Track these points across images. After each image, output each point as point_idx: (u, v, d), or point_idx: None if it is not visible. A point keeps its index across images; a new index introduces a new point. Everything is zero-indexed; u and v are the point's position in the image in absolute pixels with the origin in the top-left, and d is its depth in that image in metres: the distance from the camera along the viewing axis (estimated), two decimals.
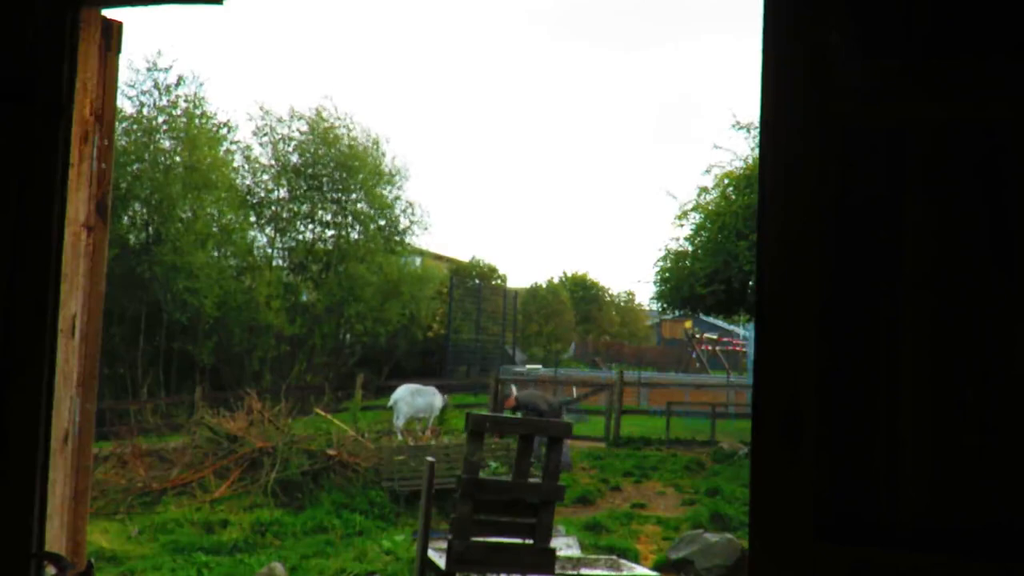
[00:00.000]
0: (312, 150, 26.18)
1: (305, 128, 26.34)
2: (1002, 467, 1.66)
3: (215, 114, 24.05)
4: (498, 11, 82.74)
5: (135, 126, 22.18)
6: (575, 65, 75.55)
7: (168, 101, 22.89)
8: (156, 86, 22.77)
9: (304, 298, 26.11)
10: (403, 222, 27.64)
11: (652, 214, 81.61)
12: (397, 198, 27.39)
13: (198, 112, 23.31)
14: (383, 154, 27.20)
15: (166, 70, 23.01)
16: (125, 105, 22.07)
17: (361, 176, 26.23)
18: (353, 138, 26.65)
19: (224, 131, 24.35)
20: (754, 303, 1.89)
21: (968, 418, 1.68)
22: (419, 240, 28.76)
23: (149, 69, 22.90)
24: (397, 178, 27.42)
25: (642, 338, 45.92)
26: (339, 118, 26.62)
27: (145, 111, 22.68)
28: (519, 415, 14.51)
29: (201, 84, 27.89)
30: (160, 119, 22.80)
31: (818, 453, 1.73)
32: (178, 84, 23.00)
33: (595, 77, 74.48)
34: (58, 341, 2.24)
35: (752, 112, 19.52)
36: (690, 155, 75.23)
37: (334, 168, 26.13)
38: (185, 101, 23.05)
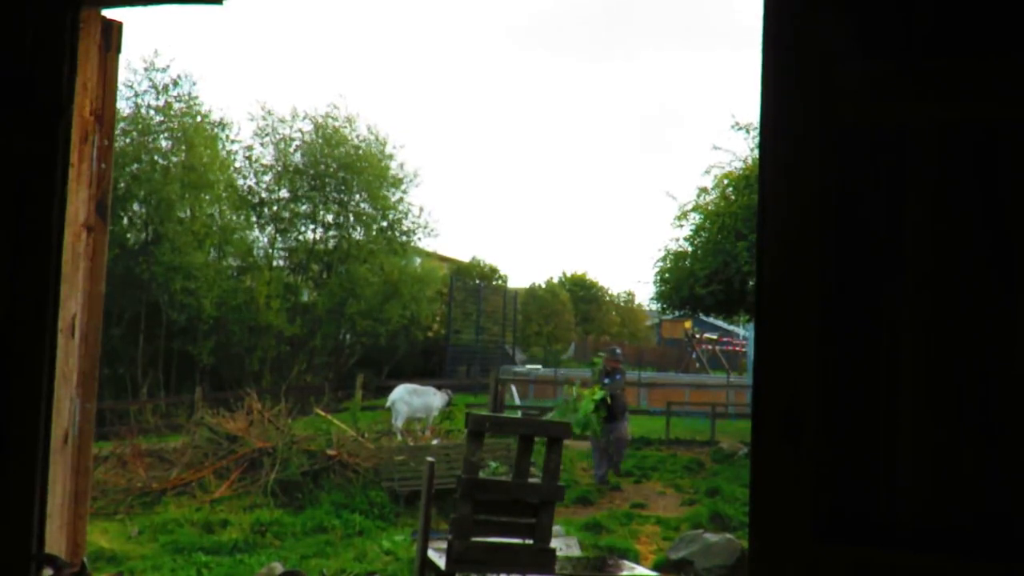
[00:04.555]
0: (315, 151, 26.17)
1: (308, 128, 26.37)
2: (1002, 467, 1.66)
3: (209, 112, 24.07)
4: (498, 15, 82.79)
5: (133, 126, 22.18)
6: (575, 69, 75.63)
7: (165, 101, 22.90)
8: (154, 86, 22.80)
9: (304, 298, 26.10)
10: (406, 224, 27.65)
11: (652, 214, 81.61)
12: (400, 200, 27.39)
13: (194, 111, 23.32)
14: (389, 156, 27.18)
15: (163, 70, 23.03)
16: (122, 105, 22.08)
17: (360, 178, 26.19)
18: (359, 139, 26.66)
19: (220, 130, 24.36)
20: (754, 303, 1.89)
21: (968, 418, 1.68)
22: (421, 242, 28.81)
23: (147, 69, 22.94)
24: (405, 183, 27.44)
25: (642, 338, 45.89)
26: (345, 119, 26.65)
27: (142, 111, 22.70)
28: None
29: (194, 83, 27.88)
30: (157, 119, 22.80)
31: (818, 453, 1.73)
32: (175, 84, 23.03)
33: (596, 80, 74.55)
34: (58, 341, 2.24)
35: (751, 113, 19.51)
36: (690, 156, 75.27)
37: (337, 169, 26.12)
38: (179, 101, 23.05)
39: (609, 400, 13.64)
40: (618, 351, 15.41)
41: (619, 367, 14.48)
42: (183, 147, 22.76)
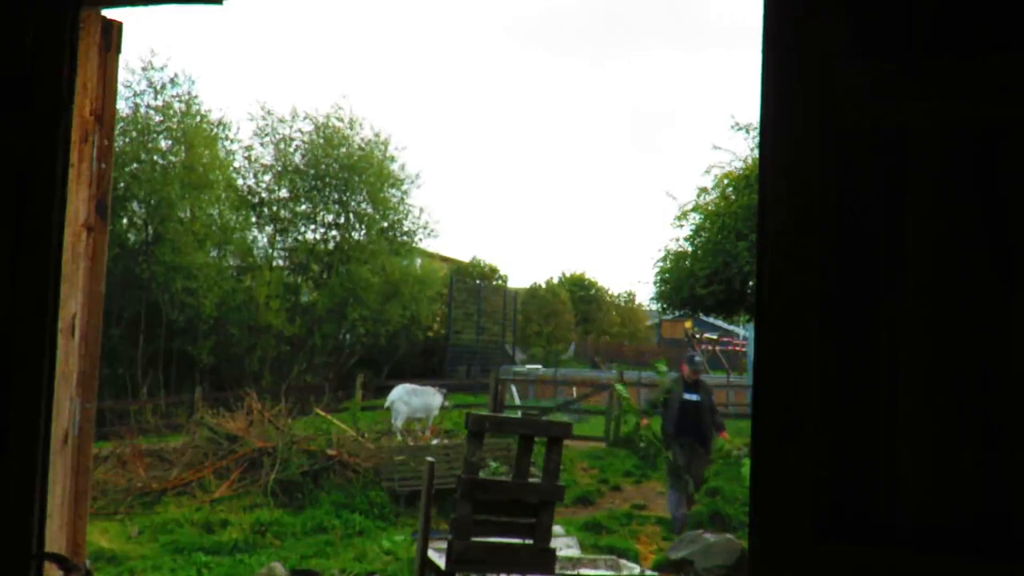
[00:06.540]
0: (315, 151, 26.16)
1: (308, 128, 26.37)
2: (1002, 467, 1.66)
3: (209, 112, 24.09)
4: (498, 15, 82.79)
5: (132, 126, 22.19)
6: (575, 69, 75.63)
7: (164, 101, 22.92)
8: (151, 86, 22.81)
9: (305, 299, 26.10)
10: (407, 225, 27.64)
11: (652, 214, 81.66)
12: (401, 201, 27.38)
13: (193, 111, 23.33)
14: (391, 157, 27.16)
15: (160, 69, 23.04)
16: (121, 105, 22.06)
17: (361, 179, 26.17)
18: (362, 140, 26.64)
19: (220, 130, 24.36)
20: (754, 303, 1.89)
21: (968, 418, 1.68)
22: (422, 242, 28.82)
23: (144, 69, 22.95)
24: (406, 184, 27.43)
25: (642, 338, 45.89)
26: (347, 120, 26.65)
27: (142, 111, 22.71)
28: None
29: (193, 83, 27.93)
30: (157, 119, 22.81)
31: (818, 453, 1.73)
32: (172, 83, 23.04)
33: (596, 80, 74.57)
34: (58, 341, 2.24)
35: (751, 113, 19.49)
36: (689, 156, 75.31)
37: (338, 169, 26.11)
38: (179, 101, 23.07)
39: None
40: (697, 357, 12.24)
41: (700, 378, 11.49)
42: (183, 147, 22.75)
